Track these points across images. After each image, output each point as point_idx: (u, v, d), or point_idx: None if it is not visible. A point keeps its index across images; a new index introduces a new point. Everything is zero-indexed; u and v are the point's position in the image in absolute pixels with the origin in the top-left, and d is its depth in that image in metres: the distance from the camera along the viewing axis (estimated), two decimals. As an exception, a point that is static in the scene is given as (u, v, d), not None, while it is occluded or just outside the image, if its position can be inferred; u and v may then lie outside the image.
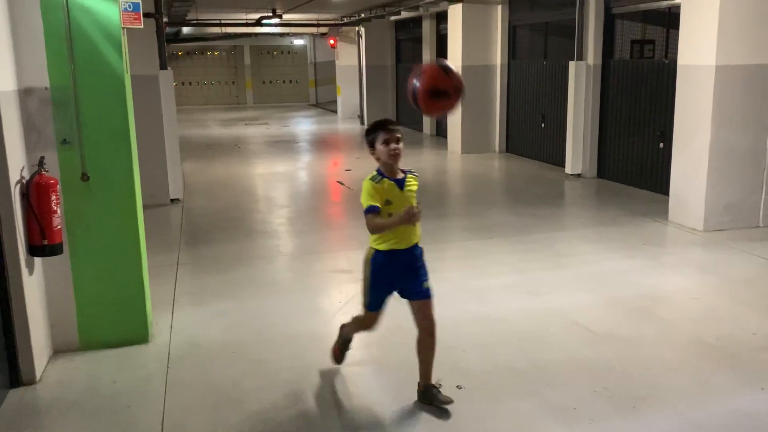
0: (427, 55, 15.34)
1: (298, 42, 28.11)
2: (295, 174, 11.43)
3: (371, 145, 3.42)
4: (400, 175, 3.42)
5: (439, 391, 3.51)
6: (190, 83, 27.29)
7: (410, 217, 3.23)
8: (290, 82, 28.76)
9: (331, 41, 21.06)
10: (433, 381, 3.54)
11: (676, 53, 7.12)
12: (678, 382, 3.78)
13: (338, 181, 10.26)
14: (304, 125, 19.78)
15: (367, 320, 3.66)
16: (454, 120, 12.78)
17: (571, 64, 9.66)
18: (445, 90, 3.32)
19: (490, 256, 6.25)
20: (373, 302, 3.56)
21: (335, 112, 22.16)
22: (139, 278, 4.34)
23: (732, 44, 6.42)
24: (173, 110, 8.69)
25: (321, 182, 10.83)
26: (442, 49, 14.01)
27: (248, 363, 4.11)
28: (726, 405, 3.52)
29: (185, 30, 20.36)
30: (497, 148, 12.65)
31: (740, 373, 3.87)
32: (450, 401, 3.47)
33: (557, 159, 10.60)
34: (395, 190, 3.37)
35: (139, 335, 4.36)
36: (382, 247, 3.41)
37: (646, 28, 9.32)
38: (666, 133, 7.99)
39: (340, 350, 3.93)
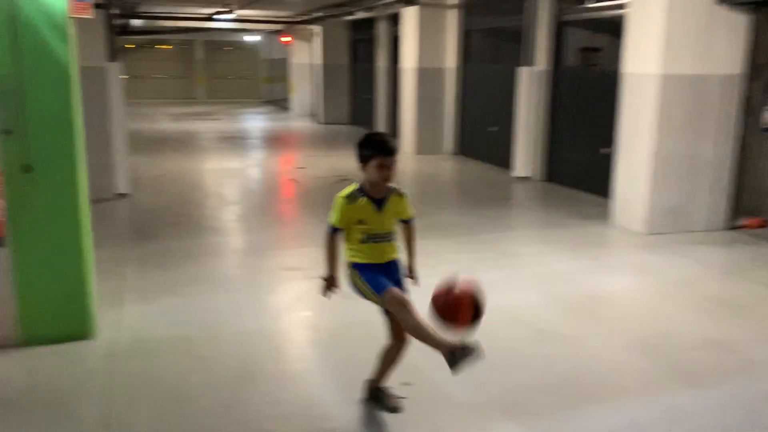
0: (381, 56, 15.40)
1: (252, 38, 27.85)
2: (247, 171, 11.33)
3: (363, 161, 3.22)
4: (383, 193, 3.26)
5: (390, 396, 3.47)
6: (140, 77, 26.72)
7: (323, 289, 3.35)
8: (243, 78, 28.45)
9: (286, 39, 20.93)
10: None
11: (622, 61, 7.32)
12: (617, 380, 3.90)
13: (291, 179, 10.22)
14: (256, 122, 19.61)
15: (393, 299, 3.14)
16: (408, 121, 12.87)
17: (521, 70, 9.84)
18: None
19: (440, 255, 6.31)
20: (380, 282, 3.19)
21: (288, 109, 22.04)
22: (84, 273, 4.24)
23: (676, 54, 6.64)
24: (122, 103, 8.52)
25: (273, 179, 10.76)
26: (396, 51, 14.08)
27: (196, 360, 4.06)
28: (661, 401, 3.64)
29: (136, 22, 19.94)
30: (449, 150, 12.78)
31: (675, 371, 4.01)
32: (401, 408, 3.42)
33: (507, 162, 10.78)
34: (371, 210, 3.23)
35: (84, 331, 4.27)
36: (353, 259, 3.29)
37: (594, 36, 9.56)
38: (610, 139, 8.21)
39: (462, 349, 2.96)
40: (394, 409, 3.41)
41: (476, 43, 12.32)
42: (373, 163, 3.17)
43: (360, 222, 3.21)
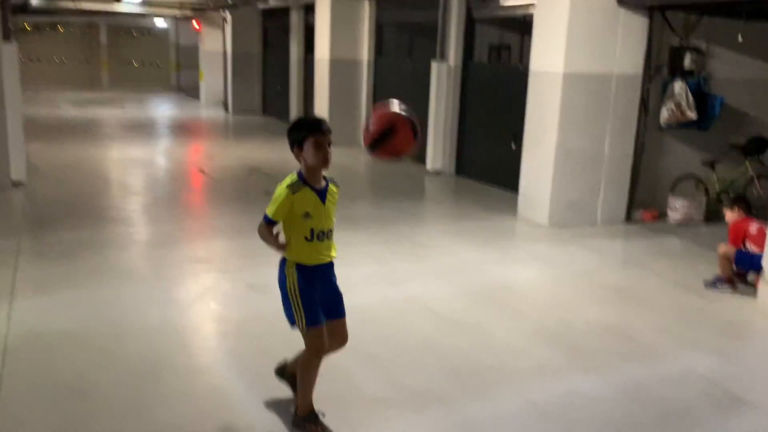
0: (295, 46, 15.24)
1: (160, 24, 26.92)
2: (153, 160, 10.97)
3: (298, 145, 3.00)
4: (323, 183, 3.07)
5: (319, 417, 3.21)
6: (39, 60, 25.33)
7: (279, 250, 3.06)
8: (150, 65, 27.45)
9: (195, 25, 20.36)
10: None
11: (529, 59, 7.56)
12: (520, 365, 4.04)
13: (200, 170, 9.97)
14: (164, 110, 19.00)
15: (316, 341, 3.07)
16: (322, 112, 12.80)
17: (433, 65, 9.98)
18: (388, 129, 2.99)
19: (353, 247, 6.33)
20: (315, 313, 3.06)
21: (198, 98, 21.47)
22: (-27, 264, 4.00)
23: (578, 54, 6.91)
24: (17, 86, 8.04)
25: (181, 169, 10.47)
26: (309, 41, 13.97)
27: (96, 354, 3.91)
28: (561, 385, 3.81)
29: (36, 1, 18.86)
30: (362, 143, 12.80)
31: (574, 356, 4.20)
32: None
33: (419, 156, 10.91)
34: (317, 203, 3.03)
35: (-28, 326, 4.03)
36: (297, 259, 3.07)
37: (504, 33, 9.82)
38: (518, 135, 8.46)
39: (315, 425, 3.14)
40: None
41: (390, 37, 12.42)
42: (309, 145, 2.96)
43: (306, 215, 2.99)
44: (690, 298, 5.28)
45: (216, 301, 4.88)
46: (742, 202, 5.62)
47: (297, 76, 15.39)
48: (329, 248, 3.13)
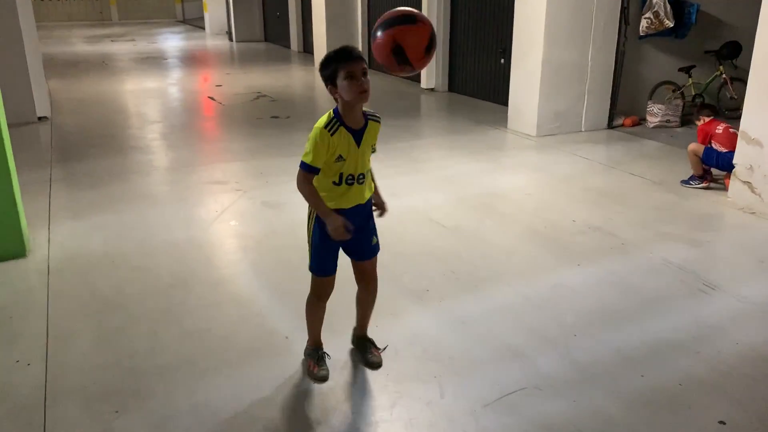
0: (291, -26, 14.66)
1: (162, -43, 25.85)
2: (166, 90, 10.78)
3: (331, 82, 2.52)
4: (361, 123, 2.60)
5: (373, 349, 3.04)
6: (49, -2, 24.51)
7: (335, 232, 2.56)
8: (156, -2, 26.57)
9: (196, -43, 19.53)
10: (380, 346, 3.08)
11: (515, -24, 7.27)
12: (512, 264, 4.11)
13: (210, 97, 9.82)
14: (172, 41, 18.51)
15: (316, 287, 2.86)
16: (320, 37, 12.47)
17: (425, -16, 9.63)
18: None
19: (355, 163, 6.32)
20: (321, 261, 2.78)
21: (203, 28, 20.86)
22: (10, 193, 4.02)
23: (562, -32, 6.65)
24: (32, 25, 7.81)
25: (192, 98, 10.30)
26: (305, -32, 13.43)
27: (129, 271, 3.99)
28: (550, 279, 3.88)
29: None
30: (360, 64, 12.53)
31: (562, 253, 4.26)
32: (378, 364, 2.98)
33: (414, 75, 10.69)
34: (352, 145, 2.57)
35: (16, 250, 4.09)
36: (334, 201, 2.66)
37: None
38: (507, 50, 8.26)
39: (314, 363, 2.94)
40: (375, 363, 2.98)
41: (381, -40, 11.90)
42: (341, 78, 2.48)
43: (339, 158, 2.55)
44: (666, 195, 5.30)
45: (235, 218, 4.91)
46: (706, 109, 5.56)
47: (294, 3, 14.88)
48: (360, 192, 2.68)
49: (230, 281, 3.90)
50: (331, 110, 2.60)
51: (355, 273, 2.94)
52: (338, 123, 2.55)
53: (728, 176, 5.18)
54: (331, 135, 2.54)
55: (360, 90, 2.48)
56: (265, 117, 8.25)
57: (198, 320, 3.42)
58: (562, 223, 4.76)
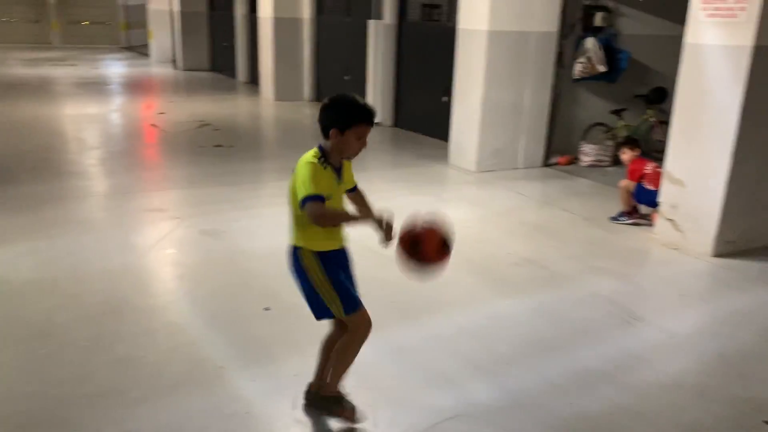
0: (239, 4, 14.74)
1: (108, -17, 25.55)
2: (107, 116, 10.57)
3: (340, 128, 2.48)
4: (339, 162, 2.60)
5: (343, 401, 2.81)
6: (-14, 19, 23.80)
7: (390, 221, 2.61)
8: (100, 23, 26.14)
9: (143, -16, 19.42)
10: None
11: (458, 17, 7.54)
12: (449, 294, 4.19)
13: (151, 124, 9.69)
14: (115, 68, 18.20)
15: (362, 325, 2.67)
16: (267, 69, 12.53)
17: (370, 23, 9.85)
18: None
19: (297, 194, 6.34)
20: (353, 297, 2.65)
21: (148, 55, 20.63)
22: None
23: (501, 12, 6.94)
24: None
25: (134, 125, 10.13)
26: (253, 1, 13.54)
27: (60, 298, 3.87)
28: (485, 310, 3.98)
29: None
30: (307, 97, 12.64)
31: (497, 285, 4.38)
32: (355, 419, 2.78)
33: (359, 108, 10.85)
34: (335, 182, 2.57)
35: (-62, 276, 3.92)
36: (316, 247, 2.59)
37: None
38: (449, 89, 8.51)
39: (345, 409, 2.78)
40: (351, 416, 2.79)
41: (329, -4, 12.15)
42: (353, 133, 2.49)
43: (328, 197, 2.50)
44: (597, 231, 5.53)
45: (172, 246, 4.85)
46: (631, 142, 5.87)
47: (242, 34, 14.94)
48: (342, 233, 2.70)
49: (165, 309, 3.83)
50: (317, 148, 2.56)
51: (339, 321, 2.77)
52: (325, 160, 2.53)
53: (655, 213, 5.45)
54: (324, 170, 2.51)
55: (359, 150, 2.56)
56: (208, 145, 8.20)
57: (130, 348, 3.34)
58: (498, 256, 4.89)
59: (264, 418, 2.84)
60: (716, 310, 4.17)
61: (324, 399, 2.81)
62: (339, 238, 2.67)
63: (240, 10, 14.80)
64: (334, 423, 2.80)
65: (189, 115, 10.33)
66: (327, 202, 2.48)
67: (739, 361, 3.49)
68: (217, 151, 7.98)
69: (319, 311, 2.65)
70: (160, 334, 3.51)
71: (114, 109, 11.26)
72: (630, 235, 5.45)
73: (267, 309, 3.81)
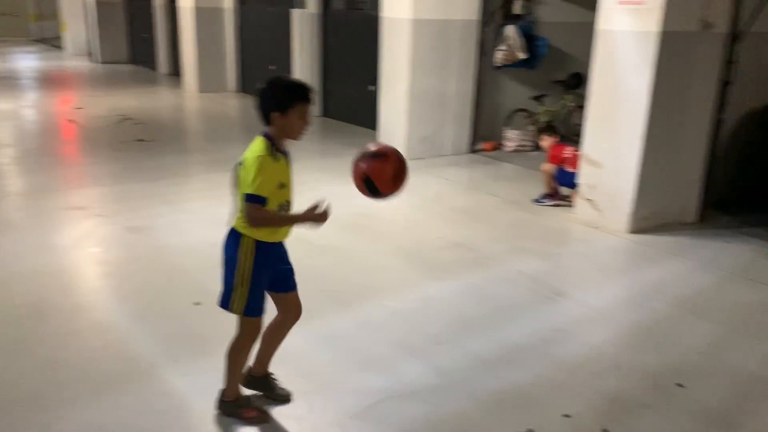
0: (159, -5, 14.29)
1: (14, -28, 24.17)
2: (20, 113, 10.05)
3: (281, 110, 2.46)
4: (285, 148, 2.56)
5: (278, 382, 2.91)
6: None
7: (321, 217, 2.52)
8: (6, 15, 24.72)
9: (53, -27, 18.49)
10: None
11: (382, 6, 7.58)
12: (381, 280, 4.26)
13: (69, 120, 9.30)
14: (26, 61, 17.29)
15: (254, 330, 2.66)
16: (189, 60, 12.22)
17: (294, 12, 9.77)
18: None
19: (227, 187, 6.20)
20: (259, 305, 2.61)
21: (62, 48, 19.70)
22: None
23: (424, 1, 7.03)
24: None
25: (50, 121, 9.68)
26: (173, -10, 13.15)
27: (-24, 302, 3.70)
28: (416, 293, 4.07)
29: None
30: (232, 88, 12.42)
31: (427, 268, 4.48)
32: (288, 397, 2.87)
33: (287, 99, 10.76)
34: (288, 169, 2.55)
35: None
36: (261, 237, 2.54)
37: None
38: (375, 77, 8.55)
39: (250, 408, 2.78)
40: (284, 398, 2.87)
41: (251, -15, 11.96)
42: (295, 113, 2.48)
43: (281, 186, 2.49)
44: (521, 213, 5.72)
45: (96, 244, 4.70)
46: (550, 129, 6.11)
47: (162, 24, 14.48)
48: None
49: (90, 309, 3.72)
50: (261, 136, 2.50)
51: (281, 306, 2.78)
52: (275, 148, 2.48)
53: (575, 194, 5.69)
54: (273, 162, 2.46)
55: (305, 130, 2.53)
56: (130, 140, 7.94)
57: (55, 350, 3.24)
58: (427, 240, 4.99)
59: (198, 411, 2.82)
60: (632, 283, 4.41)
61: (227, 405, 2.76)
62: (285, 232, 2.65)
63: (159, -1, 14.35)
64: (267, 408, 2.81)
65: (109, 110, 9.96)
66: (280, 191, 2.48)
67: (654, 329, 3.71)
68: (140, 146, 7.75)
69: (225, 300, 2.61)
70: (86, 334, 3.42)
71: (27, 105, 10.72)
72: (552, 215, 5.68)
73: (197, 304, 3.76)
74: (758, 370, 3.32)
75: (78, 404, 2.82)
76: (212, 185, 6.36)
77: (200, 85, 12.06)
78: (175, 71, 14.35)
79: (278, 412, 2.81)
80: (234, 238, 2.56)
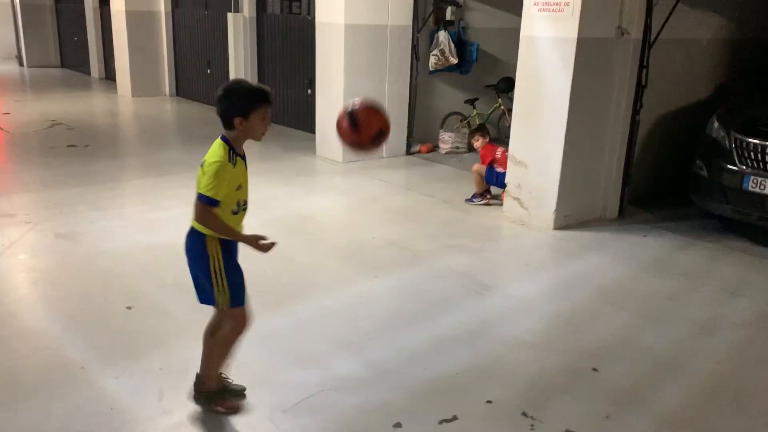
0: (89, -2, 13.96)
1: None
2: (-59, 118, 9.66)
3: (243, 114, 2.56)
4: (243, 150, 2.68)
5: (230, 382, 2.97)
6: None
7: (262, 248, 2.66)
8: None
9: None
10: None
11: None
12: (316, 279, 4.35)
13: (-5, 125, 8.99)
14: (-52, 65, 16.56)
15: (242, 321, 2.77)
16: (122, 63, 11.99)
17: (229, 16, 9.74)
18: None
19: (161, 191, 6.21)
20: (241, 293, 2.73)
21: (-13, 52, 18.92)
22: None
23: (356, 6, 7.16)
24: None
25: (-26, 126, 9.34)
26: (104, -8, 12.87)
27: None
28: (350, 290, 4.18)
29: None
30: (167, 92, 12.25)
31: (362, 266, 4.59)
32: (243, 391, 2.96)
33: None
34: (245, 171, 2.68)
35: None
36: (218, 235, 2.64)
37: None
38: (313, 81, 8.63)
39: (228, 400, 2.88)
40: (240, 394, 2.96)
41: (186, -11, 11.85)
42: (257, 116, 2.57)
43: (238, 188, 2.63)
44: (453, 212, 5.91)
45: (24, 251, 4.61)
46: (482, 130, 6.32)
47: (94, 28, 14.14)
48: (243, 218, 2.77)
49: (18, 316, 3.67)
50: (220, 140, 2.60)
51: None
52: (234, 153, 2.59)
53: (504, 193, 5.92)
54: (233, 168, 2.57)
55: (266, 131, 2.64)
56: (61, 146, 7.77)
57: (-20, 358, 3.19)
58: (363, 240, 5.11)
59: (129, 412, 2.84)
60: (556, 276, 4.64)
61: (204, 394, 2.84)
62: (241, 227, 2.75)
63: (91, 2, 14.00)
64: (200, 408, 2.86)
65: (39, 115, 9.68)
66: (238, 192, 2.61)
67: (573, 318, 3.93)
68: (71, 152, 7.59)
69: (205, 297, 2.73)
70: (13, 340, 3.37)
71: (-51, 110, 10.29)
72: (483, 214, 5.89)
73: (129, 308, 3.76)
74: (664, 353, 3.57)
75: (6, 408, 2.79)
76: (145, 190, 6.30)
77: (134, 89, 11.86)
78: (109, 75, 14.05)
79: (209, 409, 2.86)
80: (197, 237, 2.64)
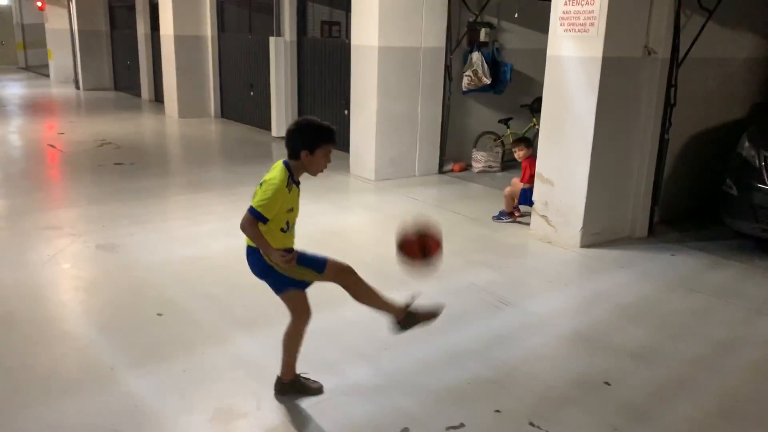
0: (141, 23, 14.63)
1: (3, 2, 24.54)
2: (4, 138, 10.27)
3: (310, 149, 2.82)
4: (299, 177, 2.95)
5: (308, 379, 3.24)
6: None
7: (284, 260, 2.82)
8: (-5, 43, 25.05)
9: (39, 3, 18.82)
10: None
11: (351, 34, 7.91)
12: (338, 292, 4.44)
13: (50, 145, 9.52)
14: (13, 89, 17.54)
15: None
16: (170, 86, 12.52)
17: (271, 40, 10.10)
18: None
19: (200, 208, 6.48)
20: (318, 260, 3.11)
21: (48, 76, 19.98)
22: None
23: (390, 29, 7.37)
24: None
25: (32, 146, 9.89)
26: (154, 19, 13.49)
27: (-52, 315, 3.89)
28: (370, 304, 4.28)
29: None
30: (212, 113, 12.71)
31: (385, 281, 4.67)
32: (321, 388, 3.21)
33: (265, 123, 11.06)
34: (297, 197, 2.94)
35: None
36: (276, 245, 2.87)
37: (333, 11, 10.11)
38: (348, 102, 8.86)
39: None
40: (318, 389, 3.20)
41: (231, 14, 12.31)
42: (321, 152, 2.84)
43: (290, 210, 2.88)
44: (480, 229, 5.99)
45: (67, 261, 4.90)
46: (525, 141, 6.24)
47: (145, 52, 14.82)
48: (293, 236, 3.03)
49: (57, 320, 3.93)
50: (282, 165, 2.86)
51: (304, 304, 3.20)
52: (291, 179, 2.85)
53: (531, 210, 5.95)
54: (289, 192, 2.83)
55: (325, 168, 2.92)
56: (108, 164, 8.18)
57: (21, 357, 3.44)
58: (387, 255, 5.20)
59: (153, 410, 3.02)
60: (578, 293, 4.67)
61: (286, 385, 3.13)
62: (291, 238, 2.99)
63: (142, 28, 14.69)
64: (220, 407, 3.01)
65: (90, 135, 10.20)
66: (289, 213, 2.86)
67: (589, 334, 3.95)
68: (118, 169, 7.98)
69: (287, 285, 3.02)
70: (52, 342, 3.61)
71: (12, 131, 10.94)
72: (510, 231, 5.94)
73: (160, 315, 3.97)
74: (680, 370, 3.56)
75: (39, 405, 3.01)
76: (185, 206, 6.59)
77: (181, 110, 12.35)
78: (158, 98, 14.65)
79: (229, 409, 3.02)
80: (257, 256, 2.91)
